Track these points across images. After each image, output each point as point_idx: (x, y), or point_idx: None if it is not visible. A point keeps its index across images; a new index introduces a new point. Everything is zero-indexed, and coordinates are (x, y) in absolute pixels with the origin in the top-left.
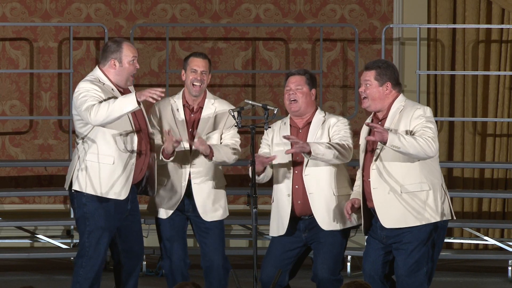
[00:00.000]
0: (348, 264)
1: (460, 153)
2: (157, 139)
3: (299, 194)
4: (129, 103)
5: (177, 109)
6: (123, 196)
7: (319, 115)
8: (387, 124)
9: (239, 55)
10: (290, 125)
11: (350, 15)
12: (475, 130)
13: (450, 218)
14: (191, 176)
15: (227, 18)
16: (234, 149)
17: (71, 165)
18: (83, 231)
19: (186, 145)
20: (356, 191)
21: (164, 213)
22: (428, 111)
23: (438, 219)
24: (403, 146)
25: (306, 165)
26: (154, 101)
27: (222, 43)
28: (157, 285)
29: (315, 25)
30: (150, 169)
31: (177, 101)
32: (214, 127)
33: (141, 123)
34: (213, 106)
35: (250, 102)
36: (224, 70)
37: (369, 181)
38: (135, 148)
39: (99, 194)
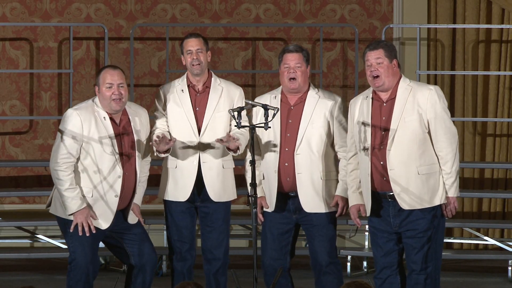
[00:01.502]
0: (348, 264)
1: (460, 153)
2: (161, 124)
3: (289, 172)
4: (67, 209)
5: (182, 90)
6: (103, 226)
7: (312, 92)
8: (398, 106)
9: (239, 55)
10: (281, 101)
11: (350, 15)
12: (475, 130)
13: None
14: (201, 157)
15: (227, 18)
16: (246, 137)
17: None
18: (68, 240)
19: (194, 126)
20: (354, 189)
21: (175, 196)
22: (439, 90)
23: (444, 200)
24: (457, 179)
25: (299, 144)
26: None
27: (222, 43)
28: (157, 285)
29: (315, 25)
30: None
31: (181, 82)
32: (224, 107)
33: (129, 153)
34: (219, 86)
35: (250, 102)
36: (224, 70)
37: (382, 164)
38: (118, 191)
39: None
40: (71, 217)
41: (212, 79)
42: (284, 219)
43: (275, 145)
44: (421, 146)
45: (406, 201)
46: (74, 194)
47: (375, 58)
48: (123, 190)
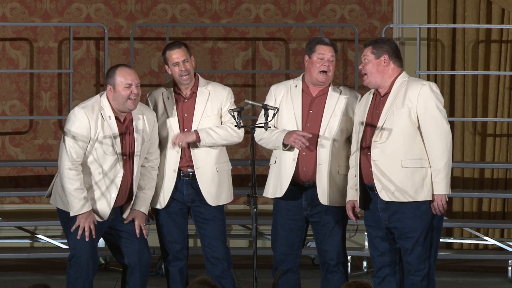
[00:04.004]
0: (348, 264)
1: (460, 153)
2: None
3: (307, 162)
4: (71, 209)
5: (168, 97)
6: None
7: (334, 86)
8: (390, 99)
9: (239, 55)
10: (303, 90)
11: (350, 15)
12: (475, 130)
13: None
14: (193, 161)
15: (227, 18)
16: (230, 129)
17: (57, 174)
18: (68, 234)
19: (176, 132)
20: (351, 185)
21: (159, 204)
22: (434, 87)
23: (429, 197)
24: (447, 177)
25: (323, 135)
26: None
27: (222, 43)
28: (157, 285)
29: (315, 25)
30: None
31: (168, 89)
32: (212, 111)
33: (130, 152)
34: (206, 90)
35: (250, 102)
36: (224, 70)
37: (369, 154)
38: (117, 190)
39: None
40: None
41: (199, 83)
42: (295, 216)
43: None
44: (409, 140)
45: (386, 192)
46: (82, 196)
47: (362, 56)
48: (120, 189)
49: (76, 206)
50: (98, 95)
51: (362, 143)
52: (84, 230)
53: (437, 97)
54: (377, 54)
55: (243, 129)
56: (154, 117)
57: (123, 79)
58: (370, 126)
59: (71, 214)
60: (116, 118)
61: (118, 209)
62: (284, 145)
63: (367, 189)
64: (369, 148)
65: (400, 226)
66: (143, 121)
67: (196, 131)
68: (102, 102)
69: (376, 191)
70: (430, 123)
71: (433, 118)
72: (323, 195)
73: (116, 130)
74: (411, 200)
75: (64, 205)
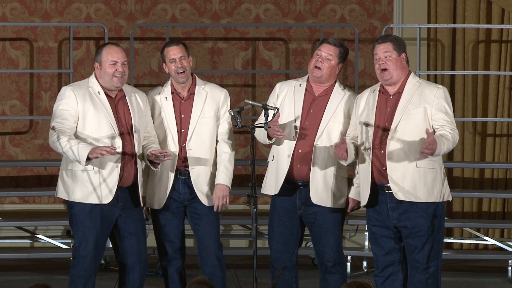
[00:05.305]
0: (348, 264)
1: (460, 153)
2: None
3: (301, 160)
4: (79, 157)
5: (166, 98)
6: (106, 201)
7: (339, 88)
8: (404, 98)
9: (239, 55)
10: (306, 89)
11: (350, 15)
12: (475, 130)
13: (449, 199)
14: (189, 161)
15: (227, 18)
16: (228, 150)
17: (61, 165)
18: (73, 232)
19: (174, 133)
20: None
21: (157, 203)
22: (447, 92)
23: (442, 199)
24: (442, 151)
25: (320, 135)
26: (103, 157)
27: (222, 43)
28: (157, 285)
29: (315, 25)
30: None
31: (165, 89)
32: (209, 112)
33: (127, 124)
34: (204, 91)
35: (250, 102)
36: (224, 70)
37: (382, 153)
38: (118, 162)
39: (82, 201)
40: (78, 199)
41: (197, 84)
42: (290, 213)
43: (294, 131)
44: (420, 140)
45: (400, 191)
46: (80, 144)
47: (383, 52)
48: (123, 161)
49: (81, 152)
50: (87, 78)
51: (373, 144)
52: (104, 152)
53: (448, 102)
54: (398, 51)
55: (233, 143)
56: (146, 98)
57: (109, 56)
58: (381, 125)
59: (83, 162)
60: (107, 95)
61: (126, 192)
62: (269, 138)
63: (376, 188)
64: (380, 147)
65: (410, 225)
66: (136, 98)
67: (221, 185)
68: (90, 81)
69: (389, 190)
70: (444, 118)
71: (447, 117)
72: (316, 195)
73: (107, 105)
74: (422, 201)
75: (67, 194)
